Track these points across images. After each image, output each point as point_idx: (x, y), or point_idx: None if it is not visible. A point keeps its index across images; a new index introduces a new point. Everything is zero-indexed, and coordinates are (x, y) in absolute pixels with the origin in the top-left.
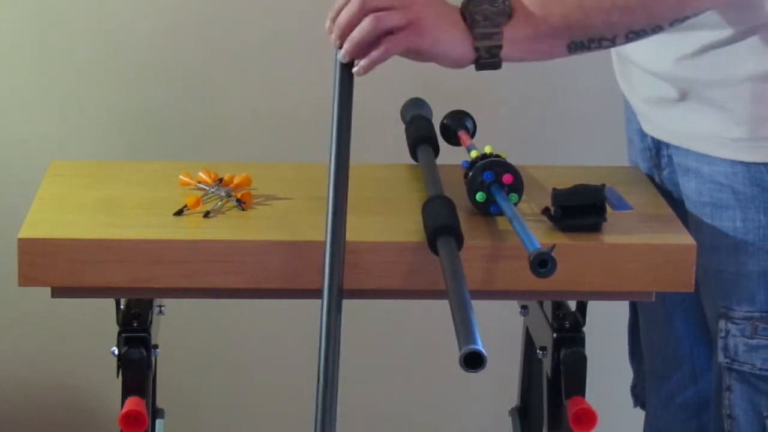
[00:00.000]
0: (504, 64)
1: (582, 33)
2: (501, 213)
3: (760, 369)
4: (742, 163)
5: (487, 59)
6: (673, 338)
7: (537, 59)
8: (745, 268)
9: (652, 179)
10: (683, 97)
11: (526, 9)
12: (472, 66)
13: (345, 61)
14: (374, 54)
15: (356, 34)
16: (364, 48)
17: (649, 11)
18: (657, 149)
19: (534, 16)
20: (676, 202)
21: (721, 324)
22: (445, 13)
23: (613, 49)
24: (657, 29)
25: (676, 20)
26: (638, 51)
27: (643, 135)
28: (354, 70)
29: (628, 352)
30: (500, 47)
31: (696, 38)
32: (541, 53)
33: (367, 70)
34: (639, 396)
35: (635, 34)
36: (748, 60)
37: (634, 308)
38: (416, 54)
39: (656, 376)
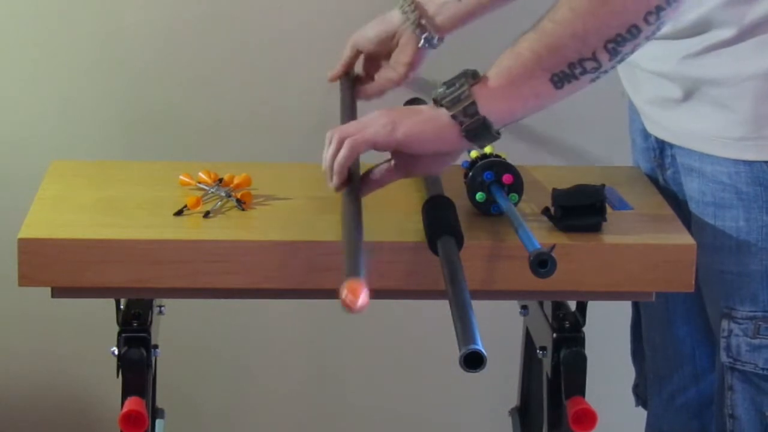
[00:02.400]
0: None
1: (557, 59)
2: (501, 213)
3: (763, 369)
4: (745, 162)
5: (471, 122)
6: (675, 338)
7: (528, 110)
8: (748, 268)
9: (655, 180)
10: (687, 96)
11: (494, 65)
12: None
13: (337, 188)
14: (340, 153)
15: (327, 156)
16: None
17: (610, 7)
18: (661, 149)
19: (502, 65)
20: (680, 203)
21: (724, 324)
22: (409, 109)
23: None
24: (634, 30)
25: (649, 12)
26: (643, 51)
27: (645, 135)
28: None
29: (630, 351)
30: (474, 104)
31: (701, 37)
32: (527, 99)
33: (335, 170)
34: (641, 396)
35: (614, 44)
36: (753, 58)
37: (636, 307)
38: (401, 153)
39: (657, 377)
